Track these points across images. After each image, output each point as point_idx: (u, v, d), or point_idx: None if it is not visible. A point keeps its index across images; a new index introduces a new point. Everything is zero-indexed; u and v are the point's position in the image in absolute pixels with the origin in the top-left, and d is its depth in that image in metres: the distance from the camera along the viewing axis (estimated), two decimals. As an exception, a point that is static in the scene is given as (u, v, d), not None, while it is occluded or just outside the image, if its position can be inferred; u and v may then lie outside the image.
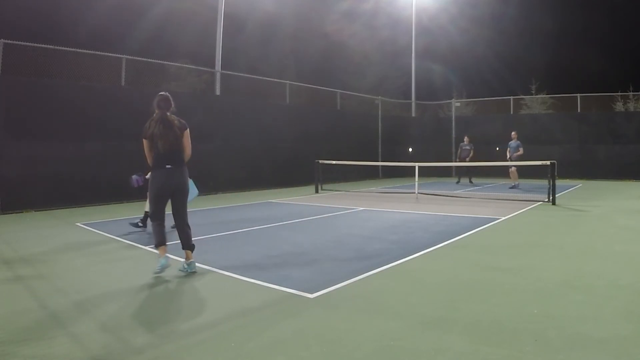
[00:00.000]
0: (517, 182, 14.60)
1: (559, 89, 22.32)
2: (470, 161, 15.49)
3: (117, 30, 21.23)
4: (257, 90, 16.23)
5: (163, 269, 4.49)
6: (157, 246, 4.58)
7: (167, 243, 4.65)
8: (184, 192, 4.73)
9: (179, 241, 4.79)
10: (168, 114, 4.69)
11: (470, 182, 16.30)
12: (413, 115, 23.15)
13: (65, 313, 3.58)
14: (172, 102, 4.72)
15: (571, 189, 13.92)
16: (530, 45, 33.78)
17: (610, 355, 2.72)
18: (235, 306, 3.70)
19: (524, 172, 16.88)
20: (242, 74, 16.20)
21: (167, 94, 4.78)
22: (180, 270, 4.65)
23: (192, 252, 4.71)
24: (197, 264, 5.03)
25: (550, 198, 10.20)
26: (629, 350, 2.79)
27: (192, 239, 4.77)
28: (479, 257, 5.31)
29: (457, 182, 16.49)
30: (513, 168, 14.32)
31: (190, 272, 4.61)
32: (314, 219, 8.48)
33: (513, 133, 14.47)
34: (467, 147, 15.94)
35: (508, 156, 14.16)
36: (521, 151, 14.06)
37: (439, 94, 27.93)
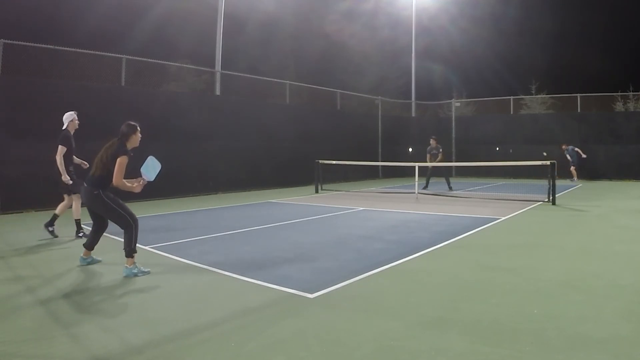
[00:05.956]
0: (574, 179, 17.01)
1: (559, 89, 22.33)
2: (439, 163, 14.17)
3: (117, 30, 21.20)
4: (257, 90, 16.21)
5: (88, 264, 5.07)
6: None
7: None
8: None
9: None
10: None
11: (426, 187, 13.92)
12: (413, 115, 23.15)
13: (66, 313, 3.58)
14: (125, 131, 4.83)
15: (571, 189, 13.93)
16: (530, 45, 33.78)
17: (610, 355, 2.72)
18: (235, 306, 3.70)
19: (523, 172, 16.92)
20: (242, 74, 16.18)
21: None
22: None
23: (127, 257, 4.69)
24: (198, 264, 5.04)
25: (550, 198, 10.21)
26: (629, 350, 2.80)
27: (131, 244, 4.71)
28: (479, 257, 5.31)
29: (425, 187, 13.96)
30: (572, 167, 17.11)
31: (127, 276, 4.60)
32: (314, 219, 8.48)
33: (564, 145, 17.33)
34: (435, 152, 14.50)
35: (570, 160, 17.10)
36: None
37: (439, 94, 27.94)
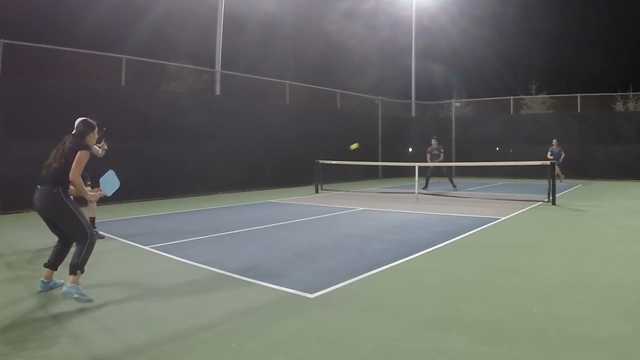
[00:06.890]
0: (562, 177, 16.33)
1: (559, 89, 22.29)
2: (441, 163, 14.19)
3: (117, 30, 21.18)
4: (257, 90, 16.22)
5: (50, 289, 4.11)
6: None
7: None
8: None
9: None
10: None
11: (426, 187, 13.83)
12: (413, 115, 23.16)
13: (66, 313, 3.59)
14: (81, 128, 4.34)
15: (571, 189, 13.92)
16: (530, 45, 33.70)
17: (610, 355, 2.72)
18: (235, 306, 3.70)
19: (523, 172, 16.93)
20: (242, 74, 16.17)
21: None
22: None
23: (71, 274, 3.85)
24: (197, 264, 5.04)
25: (550, 198, 10.20)
26: (629, 350, 2.79)
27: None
28: (479, 257, 5.31)
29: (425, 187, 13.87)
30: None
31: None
32: (314, 219, 8.48)
33: (554, 140, 16.59)
34: (437, 152, 14.35)
35: (552, 158, 15.93)
36: (563, 155, 16.32)
37: (439, 94, 27.90)
